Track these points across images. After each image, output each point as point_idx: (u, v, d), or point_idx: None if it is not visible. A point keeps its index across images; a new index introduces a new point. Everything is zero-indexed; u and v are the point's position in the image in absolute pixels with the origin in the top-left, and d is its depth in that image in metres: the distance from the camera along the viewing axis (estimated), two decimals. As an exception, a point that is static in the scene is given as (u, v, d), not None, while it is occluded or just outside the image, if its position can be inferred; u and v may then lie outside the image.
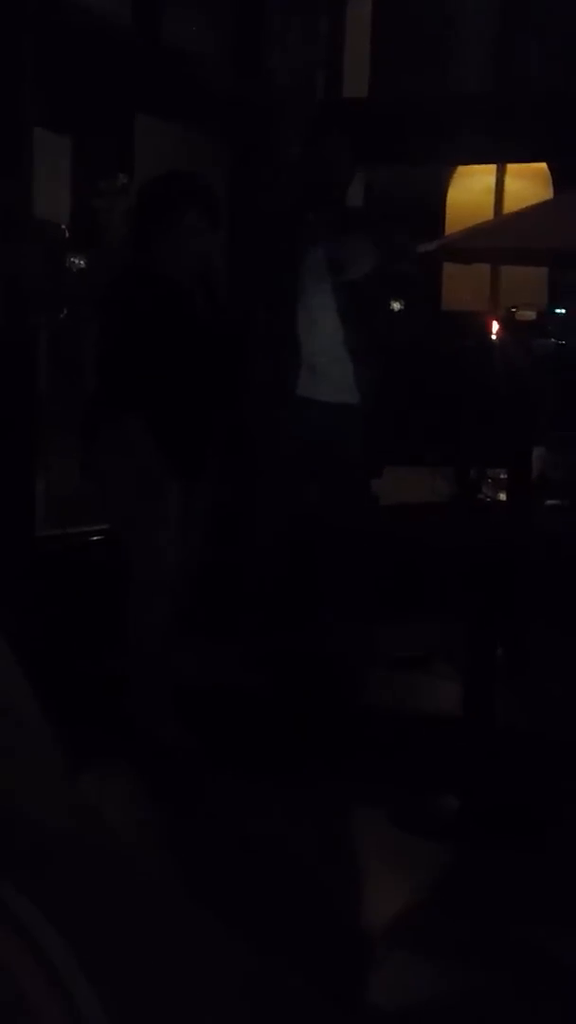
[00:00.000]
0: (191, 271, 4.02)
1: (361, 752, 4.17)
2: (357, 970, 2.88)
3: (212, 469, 4.15)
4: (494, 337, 8.00)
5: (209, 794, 3.76)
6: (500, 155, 8.04)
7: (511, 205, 8.54)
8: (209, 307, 4.07)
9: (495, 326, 8.05)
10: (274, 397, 4.78)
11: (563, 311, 9.14)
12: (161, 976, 0.95)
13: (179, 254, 3.97)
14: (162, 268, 3.95)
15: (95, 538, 4.93)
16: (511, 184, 8.90)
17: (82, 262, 5.92)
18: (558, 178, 8.56)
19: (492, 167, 8.89)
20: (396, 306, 7.11)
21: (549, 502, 6.38)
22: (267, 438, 4.87)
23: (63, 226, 5.92)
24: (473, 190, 8.95)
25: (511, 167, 8.86)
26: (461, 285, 8.82)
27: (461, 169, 9.03)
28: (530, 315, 8.63)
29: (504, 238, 7.61)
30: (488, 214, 8.58)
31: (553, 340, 8.09)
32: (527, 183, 8.86)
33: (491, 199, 8.87)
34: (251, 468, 5.11)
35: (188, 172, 4.22)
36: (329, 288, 4.69)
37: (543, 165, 8.70)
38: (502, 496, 6.40)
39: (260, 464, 4.96)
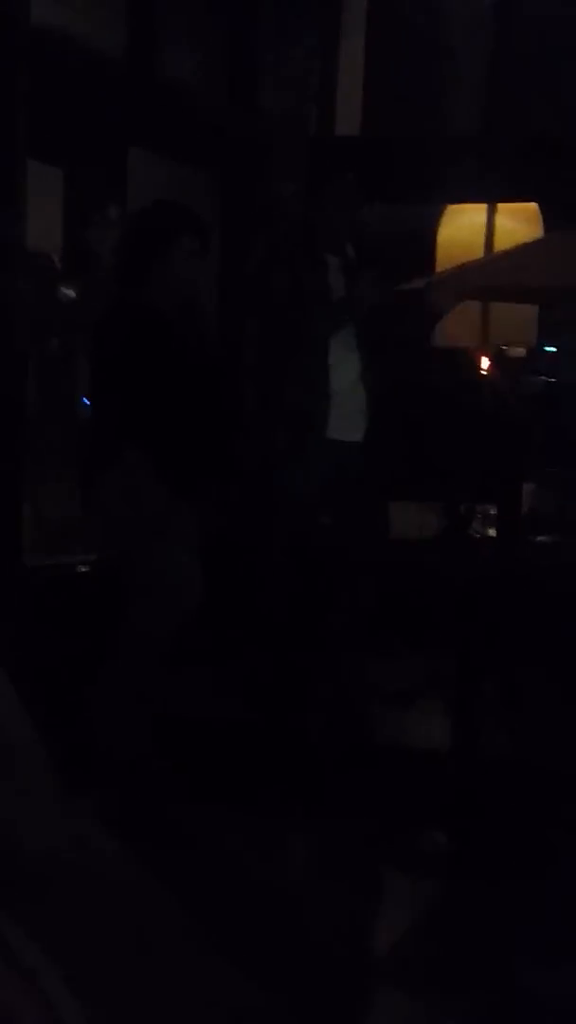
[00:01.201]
0: (181, 299, 4.02)
1: (350, 786, 4.13)
2: (344, 1003, 2.84)
3: (213, 499, 4.15)
4: (484, 374, 8.02)
5: (186, 824, 3.72)
6: (491, 194, 8.08)
7: (501, 244, 8.58)
8: (197, 335, 4.07)
9: (485, 362, 8.07)
10: (297, 436, 4.76)
11: (553, 348, 9.18)
12: (147, 995, 0.93)
13: (170, 282, 3.97)
14: (153, 298, 3.95)
15: (83, 568, 4.91)
16: (501, 223, 8.94)
17: (73, 293, 5.92)
18: (548, 217, 8.61)
19: (483, 206, 8.94)
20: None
21: (538, 538, 6.38)
22: (286, 475, 4.84)
23: (55, 257, 5.93)
24: (463, 228, 8.99)
25: (502, 206, 8.91)
26: (452, 322, 8.84)
27: (452, 207, 9.08)
28: (520, 352, 8.66)
29: (496, 276, 7.64)
30: (479, 252, 8.61)
31: (543, 377, 8.12)
32: (518, 222, 8.90)
33: (482, 237, 8.91)
34: (262, 501, 5.09)
35: (177, 201, 4.22)
36: (347, 328, 4.69)
37: (534, 205, 8.75)
38: (492, 531, 6.40)
39: (275, 498, 4.94)
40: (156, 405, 3.89)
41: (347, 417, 4.68)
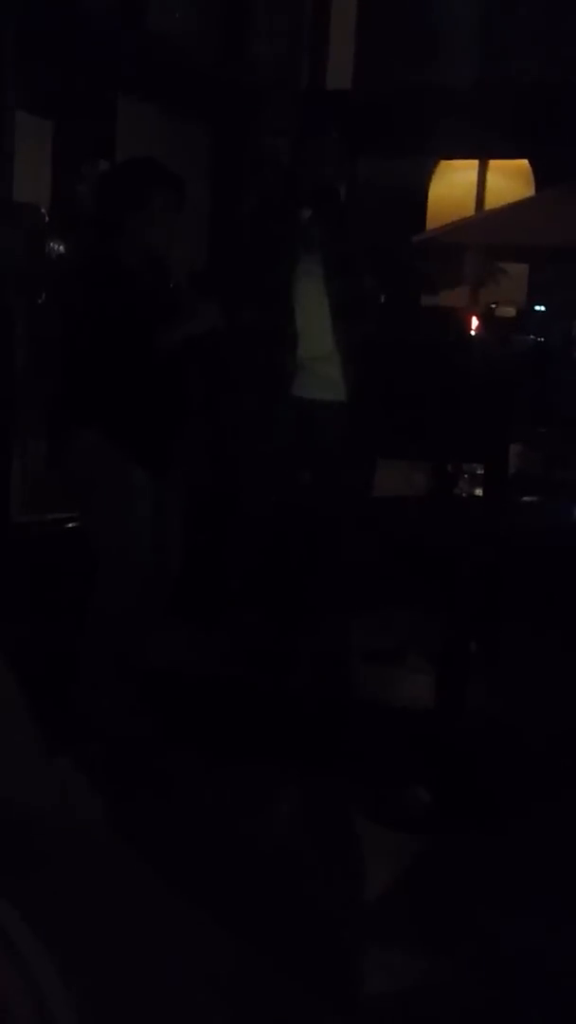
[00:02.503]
0: (153, 254, 3.99)
1: (334, 743, 4.16)
2: (331, 960, 2.87)
3: (182, 462, 4.12)
4: (473, 333, 8.01)
5: (171, 784, 3.74)
6: (483, 150, 8.04)
7: (493, 202, 8.56)
8: (166, 293, 4.04)
9: (475, 322, 8.05)
10: (267, 395, 4.73)
11: (542, 308, 9.16)
12: (136, 963, 0.93)
13: (143, 237, 3.94)
14: (123, 252, 3.92)
15: (71, 524, 4.91)
16: (493, 181, 8.91)
17: (62, 247, 5.88)
18: (539, 175, 8.58)
19: (474, 163, 8.90)
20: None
21: (525, 498, 6.39)
22: (258, 435, 4.83)
23: (43, 210, 5.88)
24: (455, 185, 8.96)
25: (493, 164, 8.88)
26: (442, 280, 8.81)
27: (443, 164, 9.05)
28: (510, 312, 8.64)
29: (486, 234, 7.62)
30: (470, 210, 8.59)
31: (532, 337, 8.10)
32: (509, 180, 8.88)
33: (473, 195, 8.88)
34: (237, 462, 5.09)
35: (152, 157, 4.19)
36: (323, 285, 4.66)
37: (525, 162, 8.71)
38: (478, 491, 6.40)
39: (249, 459, 4.93)
40: (121, 362, 3.85)
41: (324, 374, 4.66)
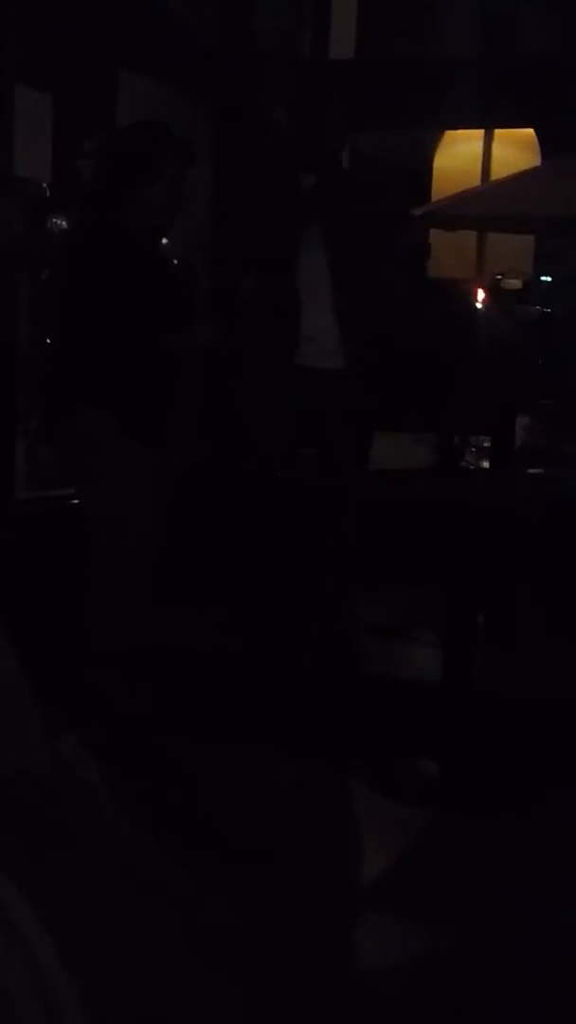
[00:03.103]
0: (160, 222, 3.94)
1: (340, 717, 4.16)
2: (336, 932, 2.88)
3: (182, 435, 4.09)
4: (479, 305, 7.97)
5: (177, 759, 3.74)
6: (488, 120, 7.99)
7: (498, 172, 8.50)
8: (170, 264, 4.00)
9: (481, 294, 8.02)
10: (268, 363, 4.71)
11: (549, 279, 9.12)
12: (140, 947, 0.93)
13: (154, 205, 3.88)
14: (136, 220, 3.86)
15: (75, 501, 4.90)
16: (498, 151, 8.85)
17: (64, 222, 5.85)
18: (545, 145, 8.52)
19: (480, 133, 8.85)
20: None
21: (531, 470, 6.38)
22: (260, 404, 4.81)
23: (44, 185, 5.85)
24: (460, 156, 8.90)
25: (499, 134, 8.82)
26: (447, 252, 8.77)
27: (448, 135, 8.99)
28: (516, 283, 8.60)
29: (491, 205, 7.57)
30: (475, 181, 8.53)
31: (538, 308, 8.07)
32: (515, 150, 8.81)
33: (478, 165, 8.82)
34: (240, 434, 5.07)
35: (161, 122, 4.12)
36: (323, 253, 4.63)
37: (531, 132, 8.65)
38: (485, 463, 6.38)
39: (251, 430, 4.92)
40: (121, 335, 3.80)
41: (326, 344, 4.63)
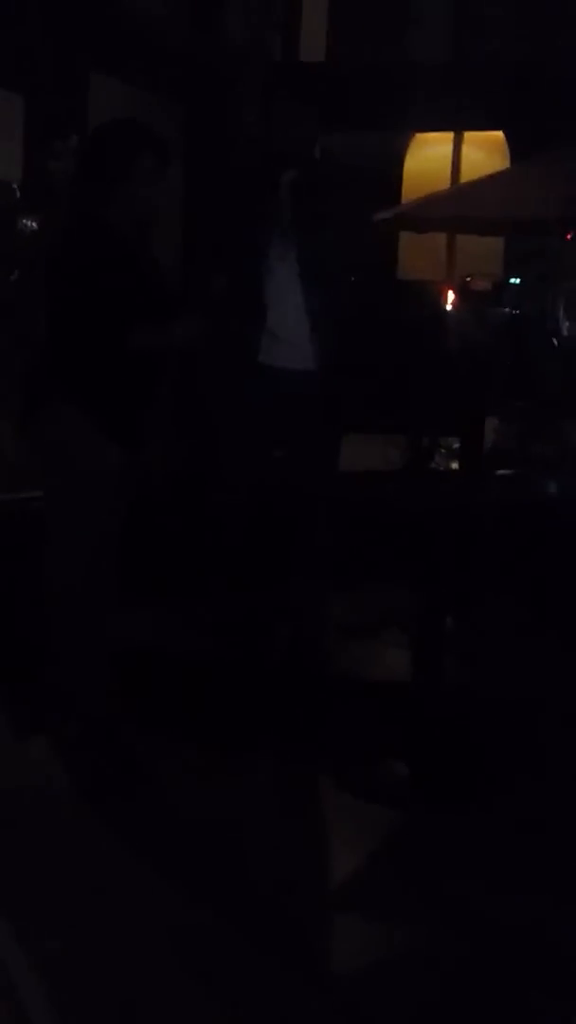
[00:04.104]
0: (140, 219, 3.96)
1: (312, 717, 4.17)
2: (306, 932, 2.88)
3: (154, 436, 4.09)
4: (449, 306, 8.00)
5: (143, 763, 3.74)
6: (458, 122, 8.02)
7: (468, 174, 8.54)
8: (151, 258, 4.00)
9: (450, 295, 8.05)
10: (234, 363, 4.73)
11: (518, 281, 9.15)
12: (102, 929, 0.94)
13: (131, 201, 3.90)
14: (113, 217, 3.88)
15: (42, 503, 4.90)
16: (468, 153, 8.89)
17: (35, 224, 5.84)
18: (514, 148, 8.56)
19: (449, 136, 8.88)
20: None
21: (500, 471, 6.41)
22: (227, 404, 4.83)
23: (15, 186, 5.84)
24: (430, 159, 8.93)
25: (468, 136, 8.86)
26: (417, 254, 8.81)
27: (418, 138, 9.02)
28: (485, 285, 8.63)
29: (461, 207, 7.61)
30: (445, 183, 8.57)
31: (508, 310, 8.10)
32: (484, 152, 8.85)
33: (448, 168, 8.86)
34: (209, 435, 5.08)
35: (136, 119, 4.13)
36: (293, 253, 4.65)
37: (500, 135, 8.69)
38: (454, 465, 6.42)
39: (219, 431, 4.93)
40: (102, 332, 3.81)
41: (295, 344, 4.65)
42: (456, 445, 6.29)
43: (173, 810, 3.46)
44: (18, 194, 5.84)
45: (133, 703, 3.82)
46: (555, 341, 8.00)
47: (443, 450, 6.74)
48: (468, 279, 8.51)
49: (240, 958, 2.70)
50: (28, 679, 3.86)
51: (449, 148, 8.69)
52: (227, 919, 2.85)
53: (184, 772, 3.70)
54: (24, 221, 5.85)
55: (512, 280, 9.18)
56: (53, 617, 3.83)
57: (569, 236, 8.34)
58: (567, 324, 8.12)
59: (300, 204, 4.63)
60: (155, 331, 3.88)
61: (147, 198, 3.91)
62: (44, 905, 2.12)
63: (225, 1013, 2.14)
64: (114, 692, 3.84)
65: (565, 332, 8.06)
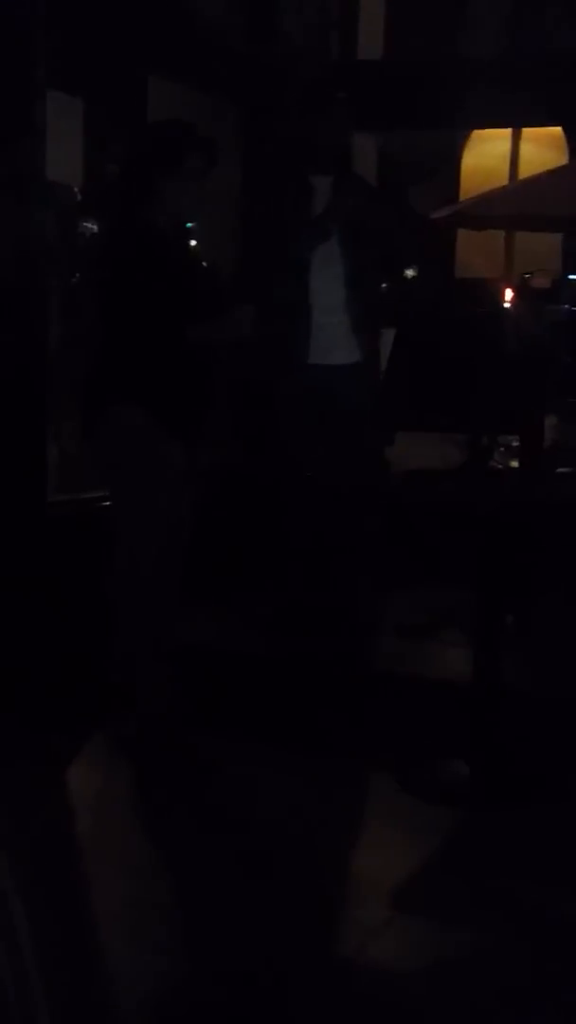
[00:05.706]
0: (185, 219, 4.00)
1: (370, 717, 4.18)
2: (363, 933, 2.90)
3: (210, 433, 4.13)
4: (508, 304, 7.96)
5: (206, 762, 3.77)
6: (515, 119, 7.97)
7: (526, 171, 8.48)
8: (194, 259, 4.05)
9: (509, 293, 8.01)
10: (284, 362, 4.77)
11: (577, 278, 9.08)
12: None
13: (176, 201, 3.94)
14: (158, 218, 3.92)
15: (106, 503, 4.94)
16: (526, 149, 8.83)
17: (94, 226, 5.89)
18: (573, 144, 8.49)
19: (507, 132, 8.82)
20: (409, 273, 7.08)
21: (560, 470, 6.36)
22: (278, 403, 4.86)
23: (75, 189, 5.89)
24: (488, 155, 8.88)
25: (526, 132, 8.79)
26: (475, 252, 8.77)
27: (476, 134, 8.96)
28: (544, 282, 8.58)
29: (519, 204, 7.56)
30: (503, 180, 8.52)
31: (567, 307, 8.04)
32: (542, 148, 8.78)
33: (506, 165, 8.80)
34: (261, 433, 5.10)
35: (182, 119, 4.17)
36: (336, 252, 4.67)
37: (559, 130, 8.62)
38: (514, 463, 6.38)
39: (271, 429, 4.95)
40: (156, 329, 3.85)
41: (347, 343, 4.67)
42: (515, 443, 6.25)
43: (234, 809, 3.48)
44: (79, 197, 5.89)
45: (194, 702, 3.85)
46: (615, 338, 7.92)
47: (502, 448, 6.70)
48: (527, 276, 8.46)
49: (304, 958, 2.71)
50: (89, 679, 3.91)
51: (507, 145, 8.63)
52: (288, 921, 2.87)
53: (242, 770, 3.73)
54: (84, 224, 5.90)
55: (571, 276, 9.12)
56: (119, 616, 3.88)
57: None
58: (627, 320, 8.04)
59: (341, 202, 4.67)
60: (203, 327, 3.91)
61: (193, 198, 3.94)
62: (98, 905, 2.15)
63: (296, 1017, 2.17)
64: (173, 690, 3.88)
65: (625, 328, 7.99)
